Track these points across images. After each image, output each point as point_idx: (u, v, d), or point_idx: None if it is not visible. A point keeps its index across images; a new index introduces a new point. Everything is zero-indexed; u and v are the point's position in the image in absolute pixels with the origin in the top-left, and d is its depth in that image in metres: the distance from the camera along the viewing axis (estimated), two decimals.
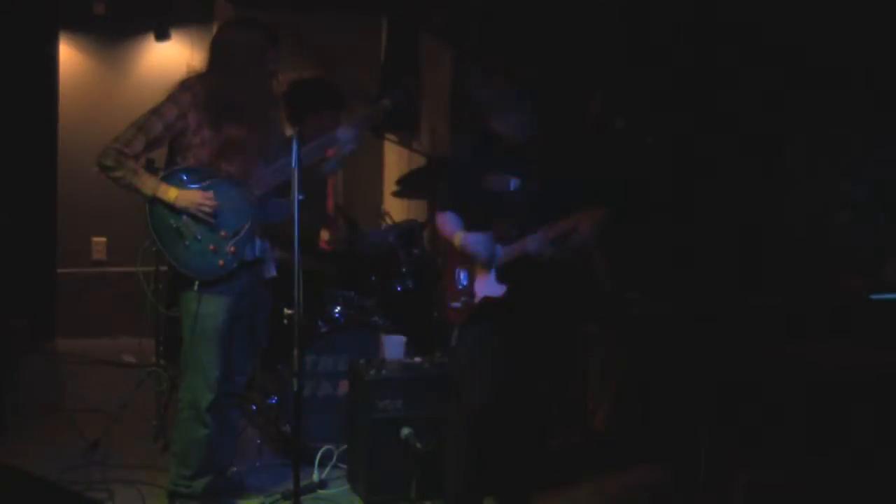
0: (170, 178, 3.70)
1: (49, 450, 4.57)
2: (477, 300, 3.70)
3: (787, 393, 3.88)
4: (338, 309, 4.81)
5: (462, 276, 3.73)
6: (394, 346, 4.40)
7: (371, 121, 4.10)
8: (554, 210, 3.65)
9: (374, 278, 5.25)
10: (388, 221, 5.84)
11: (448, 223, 3.78)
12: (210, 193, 3.69)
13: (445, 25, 6.22)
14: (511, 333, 3.68)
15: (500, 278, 3.67)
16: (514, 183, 3.67)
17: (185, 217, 3.68)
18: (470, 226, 3.72)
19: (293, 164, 3.43)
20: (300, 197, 3.41)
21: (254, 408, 4.86)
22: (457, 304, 3.73)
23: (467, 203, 3.77)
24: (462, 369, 3.76)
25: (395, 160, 7.18)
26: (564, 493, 4.24)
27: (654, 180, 4.61)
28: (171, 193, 3.66)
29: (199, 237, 3.70)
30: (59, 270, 7.14)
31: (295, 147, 3.44)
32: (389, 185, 6.86)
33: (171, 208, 3.67)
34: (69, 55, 7.11)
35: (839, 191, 4.15)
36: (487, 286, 3.69)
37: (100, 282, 7.12)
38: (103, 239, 7.25)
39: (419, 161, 6.07)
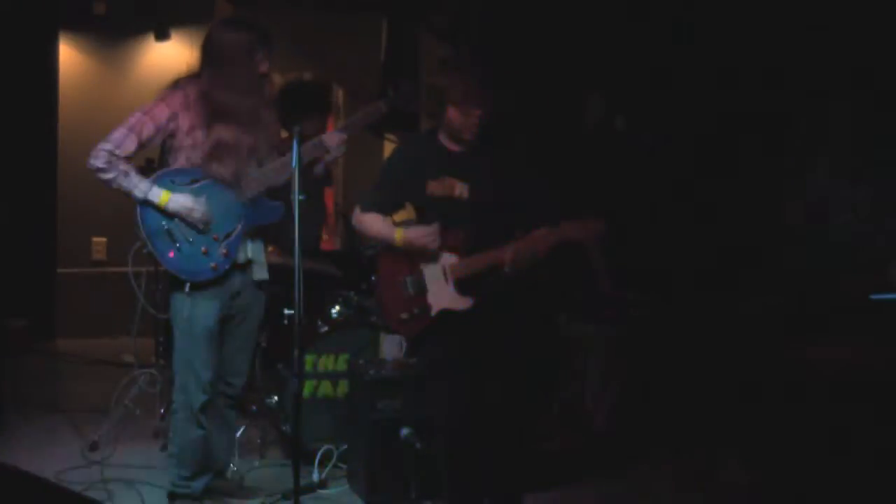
0: (161, 180, 3.69)
1: (49, 450, 4.57)
2: (433, 312, 3.61)
3: (787, 393, 3.88)
4: (338, 309, 4.81)
5: (409, 283, 3.63)
6: (393, 345, 4.39)
7: (362, 124, 4.05)
8: (509, 219, 3.55)
9: (374, 278, 5.24)
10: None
11: (378, 222, 3.69)
12: (202, 199, 3.69)
13: (445, 25, 6.22)
14: (475, 347, 3.58)
15: (464, 290, 3.57)
16: (459, 188, 3.59)
17: (176, 219, 3.68)
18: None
19: (293, 164, 3.43)
20: (301, 197, 3.40)
21: (254, 408, 4.85)
22: (404, 316, 3.63)
23: (397, 208, 3.70)
24: (426, 395, 3.72)
25: None
26: (564, 493, 4.23)
27: (655, 181, 4.62)
28: (162, 197, 3.65)
29: (191, 239, 3.70)
30: (59, 270, 7.14)
31: (295, 147, 3.43)
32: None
33: (163, 212, 3.67)
34: (69, 55, 7.11)
35: (840, 192, 4.15)
36: (445, 298, 3.60)
37: (100, 282, 7.12)
38: (103, 239, 7.25)
39: None
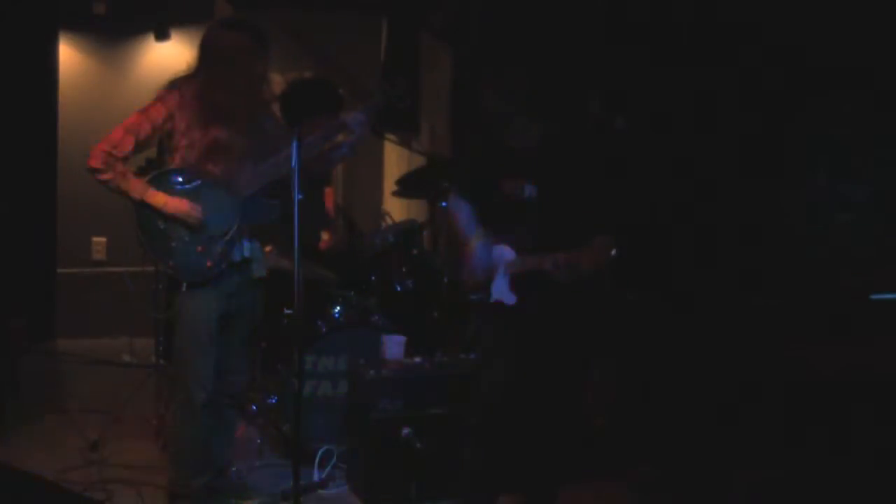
0: (157, 181, 3.70)
1: (49, 450, 4.57)
2: (492, 300, 3.68)
3: (787, 393, 3.88)
4: (338, 309, 4.81)
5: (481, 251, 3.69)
6: (394, 346, 4.40)
7: (375, 110, 4.02)
8: (567, 221, 3.59)
9: (374, 278, 5.25)
10: (388, 221, 5.84)
11: (463, 216, 3.75)
12: (198, 206, 3.69)
13: (445, 25, 6.22)
14: (521, 341, 3.64)
15: (513, 287, 3.64)
16: (528, 189, 3.63)
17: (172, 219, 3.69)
18: (486, 230, 3.70)
19: (293, 164, 3.43)
20: (300, 197, 3.40)
21: (254, 408, 4.86)
22: (475, 297, 3.70)
23: (482, 203, 3.75)
24: (478, 367, 3.77)
25: (395, 160, 7.19)
26: (564, 493, 4.23)
27: (655, 181, 4.61)
28: (159, 199, 3.66)
29: (187, 238, 3.71)
30: (59, 270, 7.14)
31: (295, 147, 3.43)
32: (389, 185, 6.86)
33: (159, 214, 3.67)
34: (69, 55, 7.11)
35: (839, 192, 4.15)
36: (501, 291, 3.66)
37: (100, 282, 7.12)
38: (103, 239, 7.26)
39: (419, 161, 6.07)
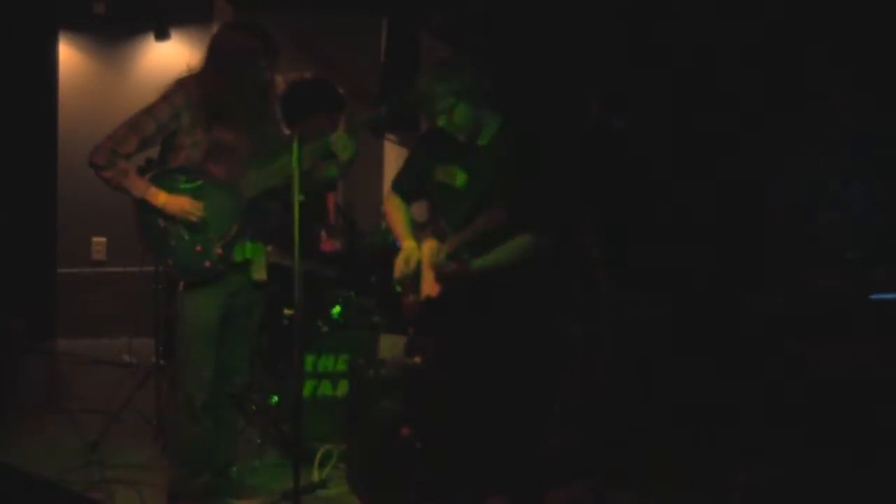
0: (159, 179, 3.70)
1: (49, 450, 4.57)
2: (421, 298, 3.65)
3: (787, 393, 3.88)
4: (338, 309, 4.81)
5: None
6: (394, 346, 4.39)
7: (364, 127, 4.04)
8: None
9: (374, 278, 5.25)
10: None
11: (395, 215, 3.78)
12: (199, 204, 3.69)
13: (445, 25, 6.21)
14: (450, 334, 3.61)
15: (437, 279, 3.59)
16: (460, 177, 3.59)
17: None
18: (430, 226, 3.69)
19: (294, 164, 3.43)
20: (301, 197, 3.40)
21: (254, 408, 4.86)
22: (411, 298, 3.68)
23: (417, 191, 3.76)
24: (422, 373, 3.77)
25: (395, 160, 7.18)
26: (564, 493, 4.23)
27: (654, 179, 4.61)
28: (160, 198, 3.66)
29: (187, 238, 3.71)
30: (59, 270, 7.13)
31: (295, 147, 3.44)
32: (389, 185, 6.85)
33: (160, 213, 3.67)
34: (69, 55, 7.11)
35: (829, 190, 4.15)
36: (427, 284, 3.62)
37: (100, 282, 7.12)
38: (103, 239, 7.25)
39: None
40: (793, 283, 4.13)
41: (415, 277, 3.66)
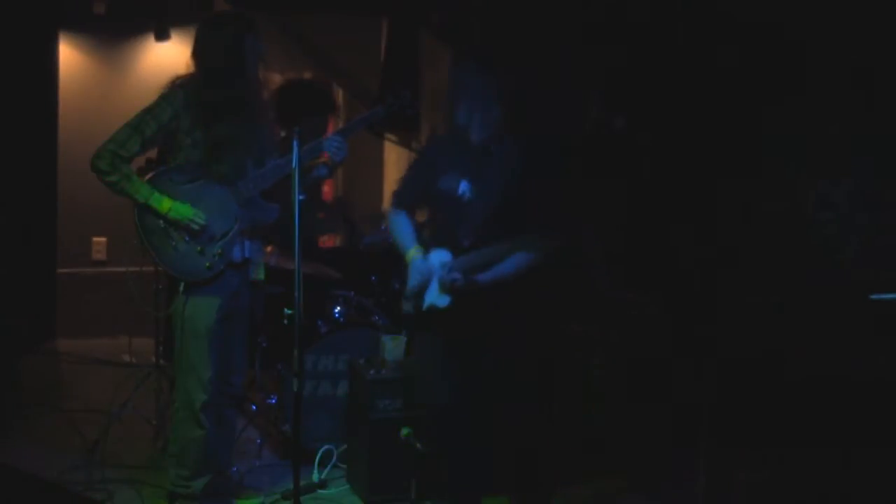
0: (159, 180, 3.69)
1: (49, 450, 4.58)
2: (425, 307, 3.63)
3: (786, 393, 3.88)
4: (338, 309, 4.81)
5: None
6: (394, 346, 4.39)
7: (361, 128, 4.05)
8: (499, 227, 3.50)
9: (374, 278, 5.25)
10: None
11: (399, 229, 3.73)
12: (202, 213, 3.69)
13: (445, 25, 6.21)
14: (458, 343, 3.60)
15: (443, 289, 3.58)
16: (463, 186, 3.56)
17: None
18: (428, 228, 3.68)
19: (293, 164, 3.43)
20: (301, 197, 3.41)
21: (254, 408, 4.86)
22: (407, 308, 3.67)
23: (420, 203, 3.74)
24: (417, 375, 3.77)
25: (395, 160, 7.18)
26: (564, 493, 4.23)
27: (650, 180, 4.61)
28: (164, 204, 3.66)
29: (187, 238, 3.71)
30: (59, 270, 7.13)
31: (295, 147, 3.44)
32: (389, 185, 6.86)
33: (163, 218, 3.67)
34: (69, 55, 7.11)
35: (820, 191, 4.14)
36: (434, 295, 3.61)
37: (100, 282, 7.12)
38: (103, 239, 7.25)
39: None
40: (792, 283, 4.13)
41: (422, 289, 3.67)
